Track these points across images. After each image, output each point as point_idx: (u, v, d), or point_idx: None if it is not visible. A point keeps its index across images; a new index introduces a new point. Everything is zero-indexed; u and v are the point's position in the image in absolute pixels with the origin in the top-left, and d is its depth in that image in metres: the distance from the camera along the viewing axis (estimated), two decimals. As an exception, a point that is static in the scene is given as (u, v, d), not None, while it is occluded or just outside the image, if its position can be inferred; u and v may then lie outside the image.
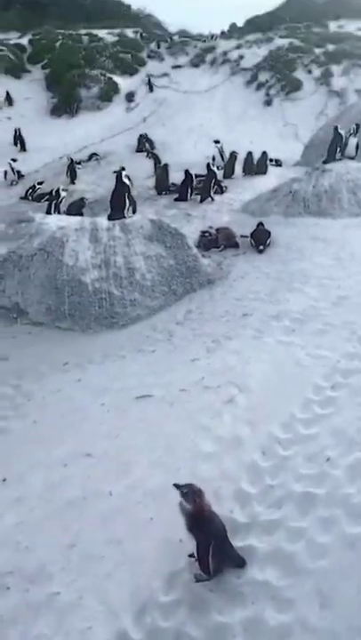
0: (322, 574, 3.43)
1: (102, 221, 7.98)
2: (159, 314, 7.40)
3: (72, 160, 16.26)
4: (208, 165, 12.72)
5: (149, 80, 26.42)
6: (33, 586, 3.63)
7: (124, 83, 26.50)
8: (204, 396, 5.38)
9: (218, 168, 13.88)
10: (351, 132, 11.81)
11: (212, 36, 36.57)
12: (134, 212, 8.43)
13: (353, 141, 11.70)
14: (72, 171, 15.53)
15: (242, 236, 9.40)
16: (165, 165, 14.18)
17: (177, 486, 3.50)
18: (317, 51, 27.82)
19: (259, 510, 4.04)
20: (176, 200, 12.44)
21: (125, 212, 8.19)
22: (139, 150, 19.63)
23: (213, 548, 3.42)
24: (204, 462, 4.49)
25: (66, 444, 4.99)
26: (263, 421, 4.88)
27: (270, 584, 3.39)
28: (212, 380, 5.63)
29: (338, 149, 11.70)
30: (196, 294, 7.86)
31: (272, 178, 14.03)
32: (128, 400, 5.46)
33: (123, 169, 8.70)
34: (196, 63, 28.87)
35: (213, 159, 14.07)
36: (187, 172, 12.62)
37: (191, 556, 3.59)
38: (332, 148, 11.79)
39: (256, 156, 14.96)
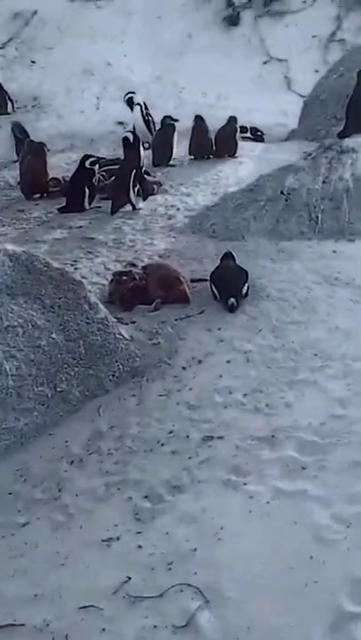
0: None
1: None
2: (35, 442, 4.00)
3: None
4: (125, 141, 7.56)
5: None
6: None
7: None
8: (128, 619, 2.45)
9: (143, 146, 8.18)
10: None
11: None
12: None
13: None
14: None
15: (193, 281, 5.69)
16: (42, 147, 8.38)
17: None
18: None
19: None
20: (62, 211, 7.49)
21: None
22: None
23: None
24: None
25: None
26: None
27: None
28: (147, 581, 2.68)
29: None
30: (111, 398, 4.42)
31: (247, 164, 9.09)
32: None
33: None
34: None
35: (134, 129, 8.97)
36: (85, 157, 7.67)
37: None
38: (355, 108, 7.52)
39: (215, 120, 9.41)
